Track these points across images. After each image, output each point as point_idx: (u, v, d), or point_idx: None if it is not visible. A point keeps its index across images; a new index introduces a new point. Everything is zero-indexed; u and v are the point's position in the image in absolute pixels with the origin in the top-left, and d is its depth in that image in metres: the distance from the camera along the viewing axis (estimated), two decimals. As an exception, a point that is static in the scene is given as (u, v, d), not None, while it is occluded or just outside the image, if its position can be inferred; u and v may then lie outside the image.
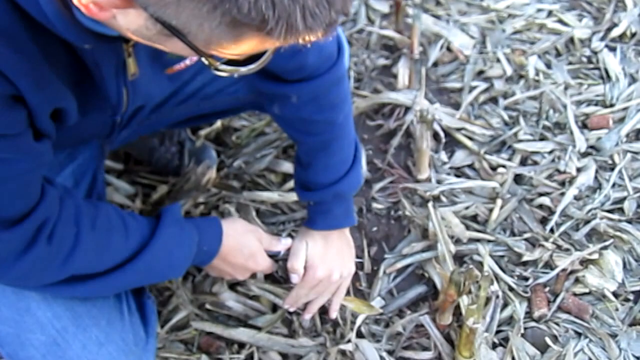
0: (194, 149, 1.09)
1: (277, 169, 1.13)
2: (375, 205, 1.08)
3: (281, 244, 0.81)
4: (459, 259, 1.00)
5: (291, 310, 0.86)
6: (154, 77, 0.63)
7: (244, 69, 0.46)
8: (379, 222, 1.07)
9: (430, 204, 1.04)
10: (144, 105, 0.68)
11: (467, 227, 1.03)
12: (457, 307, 0.91)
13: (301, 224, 1.02)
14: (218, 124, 1.15)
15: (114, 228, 0.62)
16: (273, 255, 0.82)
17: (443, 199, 1.09)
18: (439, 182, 1.11)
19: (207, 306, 0.93)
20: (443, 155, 1.15)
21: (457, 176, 1.13)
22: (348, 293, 0.92)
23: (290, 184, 1.08)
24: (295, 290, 0.82)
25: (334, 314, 0.87)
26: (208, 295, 0.93)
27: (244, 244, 0.74)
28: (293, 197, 1.05)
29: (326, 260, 0.80)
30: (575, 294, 0.94)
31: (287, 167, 1.12)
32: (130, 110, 0.64)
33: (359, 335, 0.90)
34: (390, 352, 0.90)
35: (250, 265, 0.77)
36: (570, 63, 1.24)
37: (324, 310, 0.90)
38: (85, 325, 0.64)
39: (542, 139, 1.13)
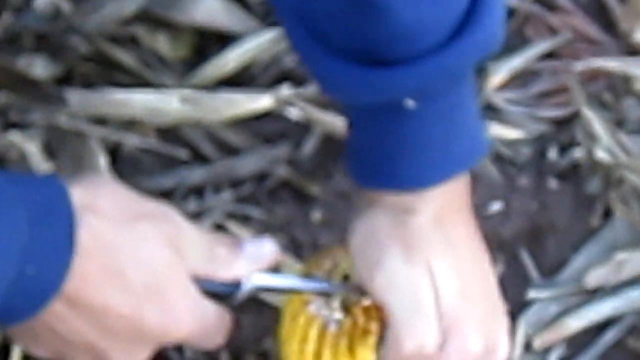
0: None
1: (177, 15, 1.07)
2: (499, 130, 1.01)
3: (248, 256, 0.77)
4: None
5: None
6: None
7: None
8: (510, 187, 1.01)
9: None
10: None
11: None
12: None
13: (276, 190, 1.00)
14: None
15: None
16: (222, 295, 0.77)
17: None
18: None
19: None
20: None
21: None
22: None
23: (227, 60, 1.03)
24: None
25: None
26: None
27: (138, 254, 0.71)
28: (238, 101, 1.00)
29: (475, 300, 0.79)
30: None
31: (211, 7, 1.06)
32: None
33: None
34: None
35: (148, 324, 0.72)
36: None
37: None
38: None
39: None
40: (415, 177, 0.77)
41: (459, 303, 0.77)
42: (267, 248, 0.78)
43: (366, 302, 0.79)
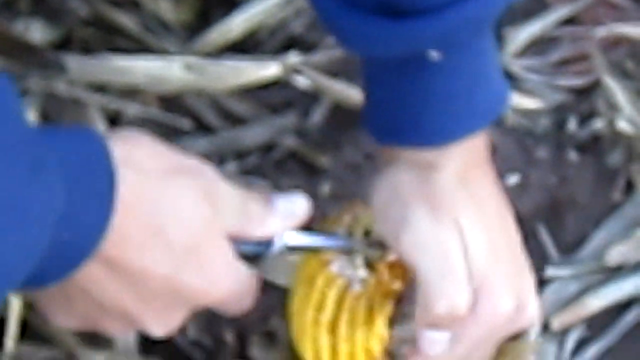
0: None
1: None
2: (517, 100, 1.00)
3: (281, 213, 0.77)
4: None
5: None
6: None
7: None
8: (527, 159, 1.00)
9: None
10: None
11: None
12: None
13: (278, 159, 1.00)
14: None
15: None
16: (252, 255, 0.76)
17: None
18: None
19: None
20: None
21: None
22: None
23: (233, 26, 1.02)
24: None
25: None
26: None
27: (178, 210, 0.71)
28: (244, 69, 1.00)
29: (504, 258, 0.79)
30: None
31: None
32: None
33: None
34: None
35: (185, 284, 0.71)
36: None
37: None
38: None
39: None
40: (439, 132, 0.76)
41: (489, 262, 0.76)
42: (299, 204, 0.77)
43: (391, 257, 0.78)
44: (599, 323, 0.92)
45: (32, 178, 0.60)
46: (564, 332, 0.91)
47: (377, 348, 0.78)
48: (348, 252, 0.78)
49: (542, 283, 0.91)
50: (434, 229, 0.76)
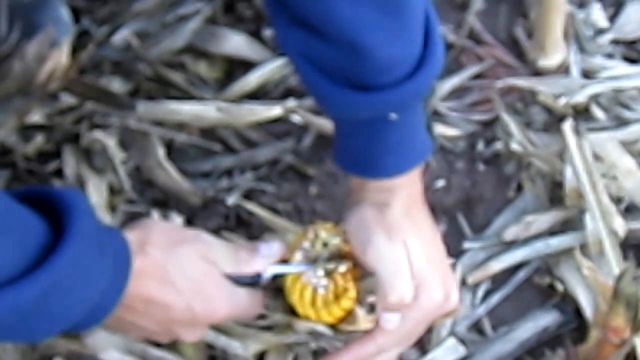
0: (20, 1, 1.10)
1: (213, 47, 1.16)
2: (442, 129, 1.10)
3: (263, 255, 0.86)
4: (634, 248, 1.01)
5: None
6: None
7: None
8: (450, 169, 1.09)
9: (567, 126, 1.03)
10: None
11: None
12: (632, 357, 0.91)
13: (272, 172, 1.07)
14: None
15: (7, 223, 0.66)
16: (247, 282, 0.85)
17: (597, 113, 1.09)
18: (586, 75, 1.12)
19: (58, 366, 0.92)
20: (596, 13, 1.17)
21: (630, 60, 1.14)
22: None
23: (250, 81, 1.13)
24: (373, 340, 0.86)
25: None
26: (63, 340, 0.94)
27: (182, 268, 0.80)
28: (257, 110, 1.09)
29: (436, 264, 0.87)
30: None
31: (238, 42, 1.14)
32: None
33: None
34: None
35: (198, 312, 0.81)
36: None
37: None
38: None
39: None
40: (391, 168, 0.85)
41: (425, 267, 0.85)
42: (276, 248, 0.86)
43: (342, 269, 0.85)
44: (499, 279, 1.02)
45: (100, 258, 0.71)
46: (476, 286, 1.01)
47: (348, 304, 0.85)
48: (314, 267, 0.85)
49: (460, 253, 1.02)
50: (389, 246, 0.84)
